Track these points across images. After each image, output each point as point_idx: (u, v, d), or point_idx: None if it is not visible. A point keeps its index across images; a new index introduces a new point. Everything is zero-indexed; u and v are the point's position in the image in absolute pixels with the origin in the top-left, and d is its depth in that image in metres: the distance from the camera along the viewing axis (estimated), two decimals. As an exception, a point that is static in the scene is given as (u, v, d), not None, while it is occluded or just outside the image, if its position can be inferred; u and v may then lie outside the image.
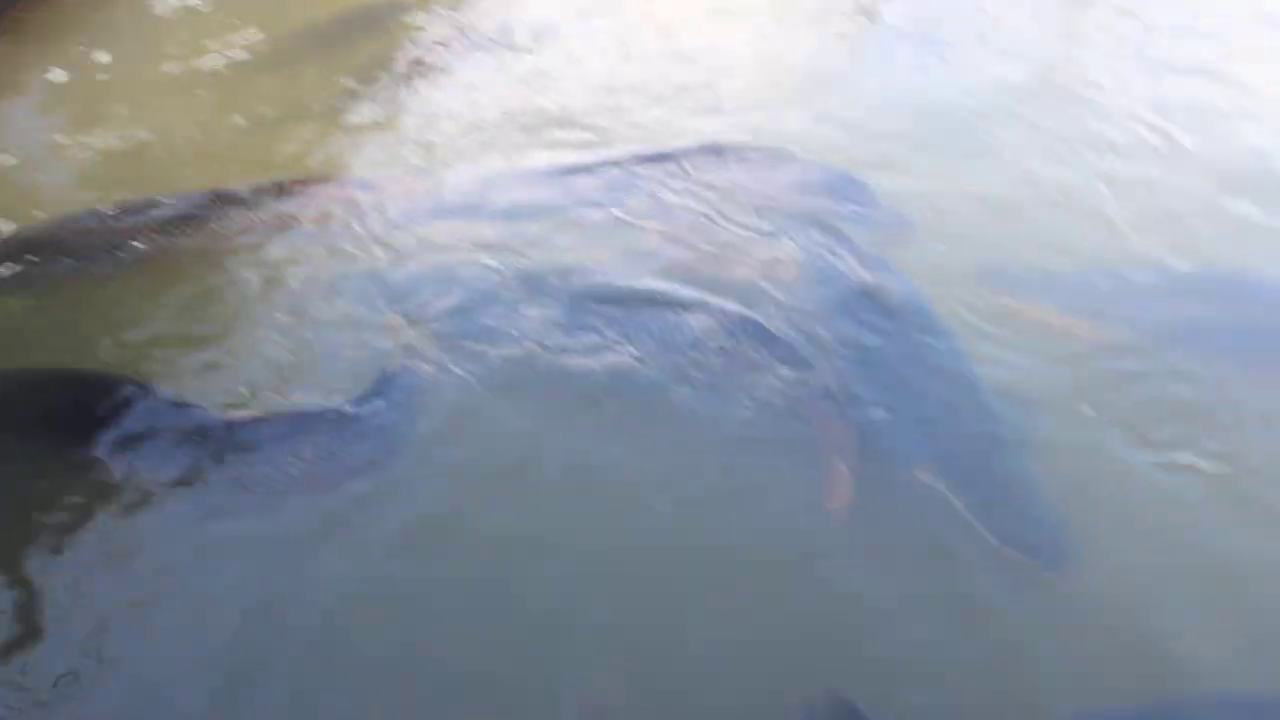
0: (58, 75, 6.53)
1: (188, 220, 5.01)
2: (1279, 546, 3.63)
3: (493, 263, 4.89)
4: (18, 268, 4.74)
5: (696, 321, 4.43)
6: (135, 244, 4.83)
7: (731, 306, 4.50)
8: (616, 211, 5.29)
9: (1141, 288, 4.84)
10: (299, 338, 4.46)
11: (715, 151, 5.69)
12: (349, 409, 4.02)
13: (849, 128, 6.12)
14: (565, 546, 3.58)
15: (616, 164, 5.64)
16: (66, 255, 4.76)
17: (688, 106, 6.40)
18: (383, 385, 4.16)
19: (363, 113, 6.27)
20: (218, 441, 3.85)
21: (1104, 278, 4.86)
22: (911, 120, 6.16)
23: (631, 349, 4.33)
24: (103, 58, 6.72)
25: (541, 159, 5.80)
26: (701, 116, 6.29)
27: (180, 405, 4.00)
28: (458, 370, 4.26)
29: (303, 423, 3.95)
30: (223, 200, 5.13)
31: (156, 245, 4.88)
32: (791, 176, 5.53)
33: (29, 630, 3.28)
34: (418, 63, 6.88)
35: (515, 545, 3.58)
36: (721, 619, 3.34)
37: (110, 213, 5.00)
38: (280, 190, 5.26)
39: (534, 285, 4.73)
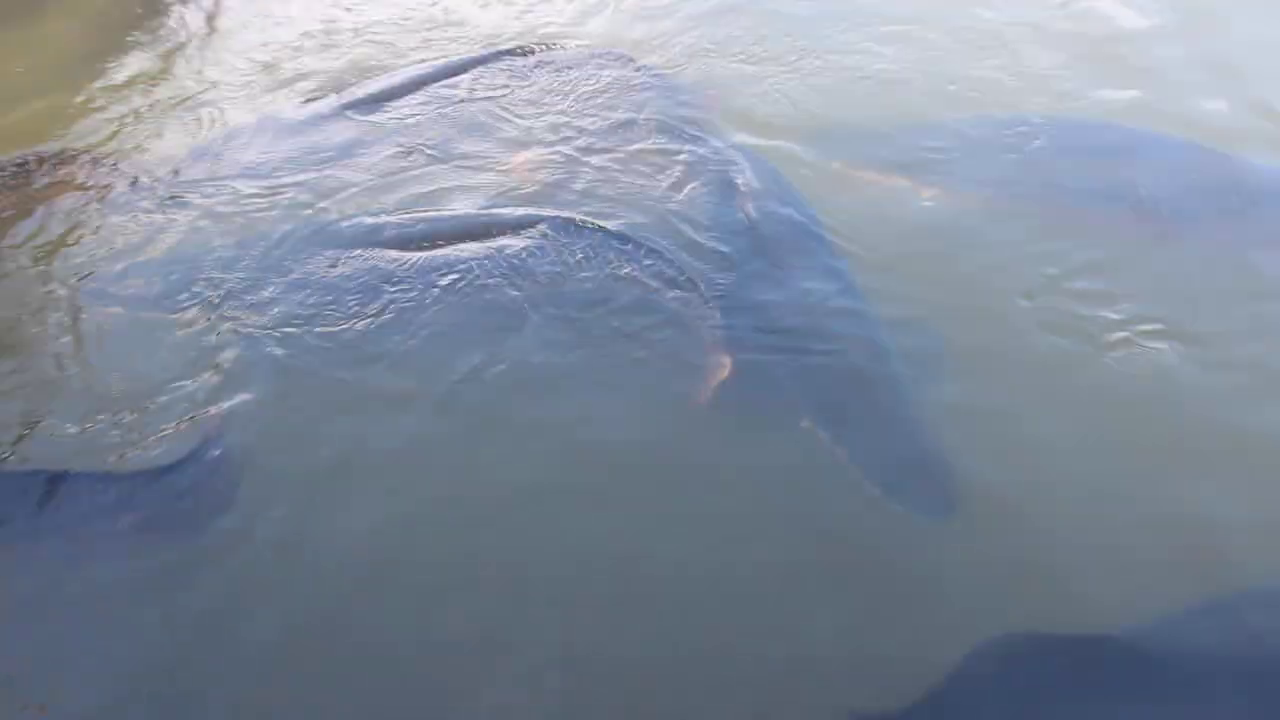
0: None
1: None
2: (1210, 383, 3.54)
3: (302, 220, 4.31)
4: None
5: (578, 248, 4.02)
6: None
7: (614, 226, 4.13)
8: (431, 136, 4.82)
9: (981, 144, 4.68)
10: (82, 350, 3.78)
11: (528, 54, 5.36)
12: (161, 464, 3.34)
13: (654, 26, 5.77)
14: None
15: (429, 81, 5.17)
16: None
17: (494, 14, 5.92)
18: (199, 425, 3.47)
19: (122, 62, 5.53)
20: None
21: (944, 138, 4.72)
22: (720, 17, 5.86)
23: (492, 284, 3.88)
24: None
25: (343, 90, 5.22)
26: (508, 23, 5.85)
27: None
28: (280, 361, 3.66)
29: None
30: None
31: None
32: (615, 74, 5.20)
33: None
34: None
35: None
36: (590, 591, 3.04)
37: None
38: (26, 169, 4.54)
39: (353, 237, 4.17)
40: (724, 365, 3.52)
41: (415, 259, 4.01)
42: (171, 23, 5.82)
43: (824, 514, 3.18)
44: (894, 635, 2.88)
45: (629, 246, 3.97)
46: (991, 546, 3.08)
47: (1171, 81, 5.17)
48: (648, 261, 3.92)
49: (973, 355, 3.66)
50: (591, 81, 5.12)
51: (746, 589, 3.01)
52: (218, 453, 3.35)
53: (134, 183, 4.53)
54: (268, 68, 5.46)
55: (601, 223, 4.10)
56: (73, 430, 3.44)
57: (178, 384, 3.59)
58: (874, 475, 3.21)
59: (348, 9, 5.94)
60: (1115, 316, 3.78)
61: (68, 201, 4.41)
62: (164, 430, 3.42)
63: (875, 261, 4.05)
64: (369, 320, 3.78)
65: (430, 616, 2.94)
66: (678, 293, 3.82)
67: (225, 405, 3.50)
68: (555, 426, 3.44)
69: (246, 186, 4.51)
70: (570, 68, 5.23)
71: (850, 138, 4.75)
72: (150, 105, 5.14)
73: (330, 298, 3.87)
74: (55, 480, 3.25)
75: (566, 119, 4.85)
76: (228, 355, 3.69)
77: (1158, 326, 3.74)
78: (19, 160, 4.56)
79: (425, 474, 3.32)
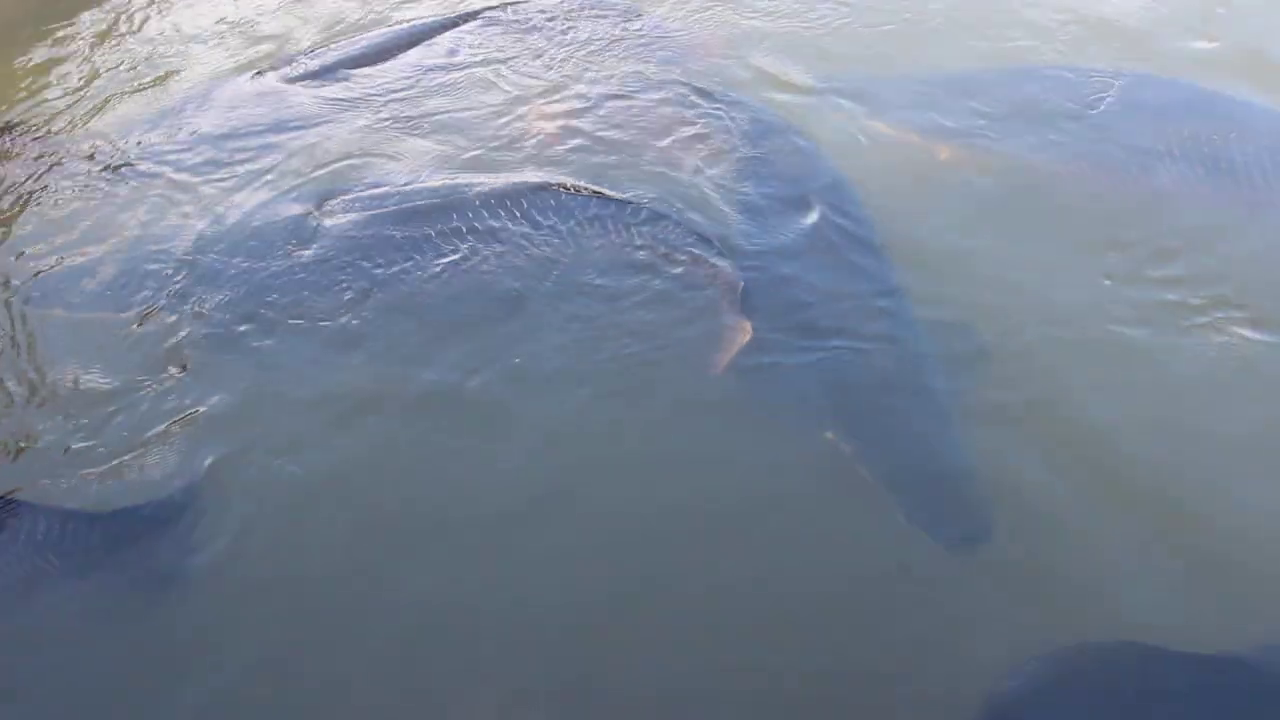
0: None
1: None
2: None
3: (270, 197, 3.96)
4: None
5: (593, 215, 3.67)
6: None
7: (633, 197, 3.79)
8: (416, 101, 4.52)
9: (1033, 100, 4.32)
10: (23, 359, 3.40)
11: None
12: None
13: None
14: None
15: (414, 40, 4.88)
16: None
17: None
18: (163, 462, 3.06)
19: (68, 21, 5.19)
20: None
21: (988, 95, 4.39)
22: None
23: (487, 263, 3.55)
24: None
25: (315, 52, 4.87)
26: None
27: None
28: (250, 360, 3.29)
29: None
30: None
31: None
32: (617, 27, 4.91)
33: None
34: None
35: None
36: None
37: None
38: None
39: (328, 215, 3.80)
40: (744, 330, 3.24)
41: (398, 237, 3.62)
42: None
43: (850, 528, 2.84)
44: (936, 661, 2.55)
45: (634, 213, 3.64)
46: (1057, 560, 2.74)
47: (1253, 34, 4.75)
48: (658, 228, 3.59)
49: (1026, 348, 3.27)
50: (591, 36, 4.80)
51: (768, 612, 2.70)
52: (182, 481, 2.97)
53: (80, 159, 4.21)
54: (235, 27, 5.13)
55: (605, 190, 3.75)
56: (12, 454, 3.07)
57: (134, 393, 3.20)
58: (901, 499, 2.88)
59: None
60: (1194, 301, 3.40)
61: (3, 181, 4.06)
62: (121, 455, 3.02)
63: (910, 235, 3.69)
64: (349, 310, 3.42)
65: (417, 640, 2.63)
66: (691, 259, 3.50)
67: (190, 420, 3.11)
68: (556, 429, 3.11)
69: (208, 162, 4.18)
70: (569, 23, 4.91)
71: (879, 92, 4.43)
72: (100, 70, 4.83)
73: (303, 286, 3.51)
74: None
75: (569, 77, 4.53)
76: (190, 357, 3.31)
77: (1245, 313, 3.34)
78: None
79: (412, 488, 2.98)
